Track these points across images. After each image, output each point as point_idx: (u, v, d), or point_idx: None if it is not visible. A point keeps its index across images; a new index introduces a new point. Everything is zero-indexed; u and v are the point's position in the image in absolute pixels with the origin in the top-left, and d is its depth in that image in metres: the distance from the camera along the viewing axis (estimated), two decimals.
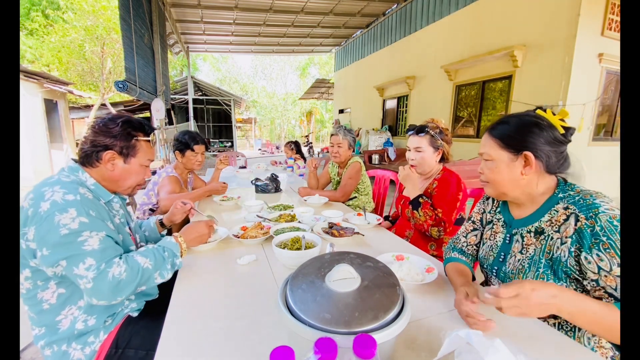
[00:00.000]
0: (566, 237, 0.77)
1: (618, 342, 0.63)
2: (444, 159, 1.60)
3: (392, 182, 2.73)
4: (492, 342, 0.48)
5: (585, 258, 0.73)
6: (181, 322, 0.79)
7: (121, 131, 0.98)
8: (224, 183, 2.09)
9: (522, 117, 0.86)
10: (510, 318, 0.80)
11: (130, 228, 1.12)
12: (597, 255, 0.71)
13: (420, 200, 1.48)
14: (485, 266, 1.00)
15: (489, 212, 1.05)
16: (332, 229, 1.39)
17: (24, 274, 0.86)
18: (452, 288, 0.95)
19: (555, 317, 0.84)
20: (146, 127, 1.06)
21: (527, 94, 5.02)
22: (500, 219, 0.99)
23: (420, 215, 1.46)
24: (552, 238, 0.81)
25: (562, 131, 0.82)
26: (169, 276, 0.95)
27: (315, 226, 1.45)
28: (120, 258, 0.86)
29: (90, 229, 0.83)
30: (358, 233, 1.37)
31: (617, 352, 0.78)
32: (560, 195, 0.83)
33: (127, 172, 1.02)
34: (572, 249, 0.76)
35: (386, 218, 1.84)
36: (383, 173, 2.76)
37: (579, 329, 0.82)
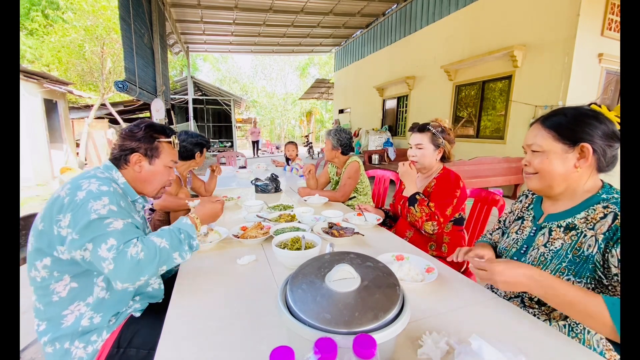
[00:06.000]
0: (600, 234, 0.77)
1: (597, 330, 0.67)
2: (444, 158, 1.61)
3: (392, 182, 2.73)
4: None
5: (611, 252, 0.73)
6: (181, 322, 0.79)
7: (144, 134, 1.06)
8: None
9: (579, 108, 0.84)
10: (511, 318, 0.80)
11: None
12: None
13: (417, 197, 1.49)
14: (504, 257, 1.01)
15: (521, 210, 1.07)
16: (332, 229, 1.39)
17: (44, 262, 0.88)
18: (451, 288, 0.96)
19: (565, 318, 0.85)
20: (167, 130, 1.14)
21: (527, 94, 5.02)
22: (531, 214, 1.00)
23: (416, 212, 1.47)
24: (584, 235, 0.81)
25: (619, 127, 0.81)
26: (188, 257, 0.96)
27: (315, 226, 1.45)
28: (137, 240, 0.89)
29: (116, 216, 0.88)
30: (358, 233, 1.37)
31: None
32: (604, 196, 0.82)
33: (153, 173, 1.09)
34: (602, 245, 0.75)
35: (386, 213, 1.83)
36: (383, 173, 2.76)
37: (588, 332, 0.81)
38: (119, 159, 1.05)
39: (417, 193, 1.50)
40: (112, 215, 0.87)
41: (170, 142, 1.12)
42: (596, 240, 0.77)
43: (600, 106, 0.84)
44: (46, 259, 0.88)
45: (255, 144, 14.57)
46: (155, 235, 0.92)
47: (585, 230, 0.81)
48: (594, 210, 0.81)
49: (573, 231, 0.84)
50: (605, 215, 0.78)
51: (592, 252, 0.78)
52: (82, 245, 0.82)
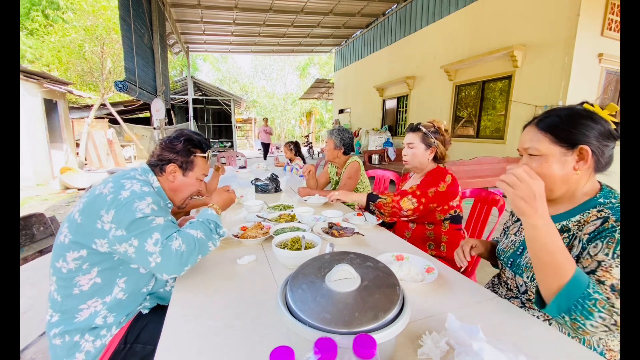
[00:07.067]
0: (585, 235, 0.77)
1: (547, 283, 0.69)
2: (438, 158, 1.61)
3: (392, 182, 2.73)
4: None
5: (587, 249, 0.74)
6: (181, 322, 0.79)
7: (183, 148, 1.13)
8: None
9: (572, 108, 0.83)
10: (511, 318, 0.80)
11: None
12: (595, 243, 0.72)
13: (371, 203, 1.52)
14: (502, 258, 1.02)
15: None
16: (332, 229, 1.39)
17: (80, 253, 0.90)
18: (451, 288, 0.97)
19: (563, 317, 0.85)
20: (204, 145, 1.19)
21: (527, 94, 5.02)
22: None
23: (384, 198, 1.49)
24: (575, 238, 0.81)
25: (614, 126, 0.80)
26: (218, 244, 1.06)
27: (315, 226, 1.44)
28: (177, 233, 0.96)
29: (158, 214, 0.95)
30: (358, 233, 1.37)
31: None
32: (601, 200, 0.81)
33: (185, 184, 1.16)
34: (586, 244, 0.76)
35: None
36: (383, 173, 2.76)
37: None
38: (156, 167, 1.11)
39: (370, 193, 1.56)
40: (154, 214, 0.93)
41: (204, 157, 1.18)
42: (580, 240, 0.78)
43: (592, 105, 0.82)
44: (83, 250, 0.90)
45: (265, 146, 11.62)
46: (189, 228, 1.01)
47: (577, 233, 0.81)
48: (589, 214, 0.81)
49: (565, 234, 0.84)
50: (597, 219, 0.78)
51: (575, 252, 0.78)
52: (128, 239, 0.88)
